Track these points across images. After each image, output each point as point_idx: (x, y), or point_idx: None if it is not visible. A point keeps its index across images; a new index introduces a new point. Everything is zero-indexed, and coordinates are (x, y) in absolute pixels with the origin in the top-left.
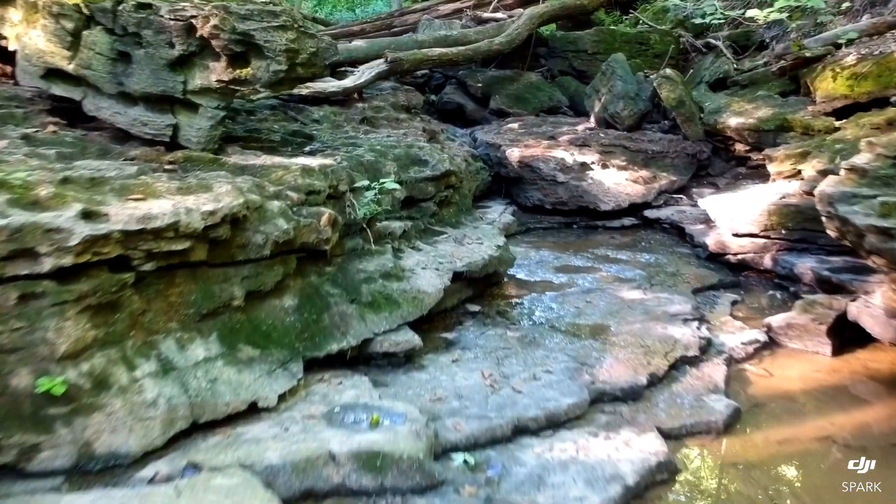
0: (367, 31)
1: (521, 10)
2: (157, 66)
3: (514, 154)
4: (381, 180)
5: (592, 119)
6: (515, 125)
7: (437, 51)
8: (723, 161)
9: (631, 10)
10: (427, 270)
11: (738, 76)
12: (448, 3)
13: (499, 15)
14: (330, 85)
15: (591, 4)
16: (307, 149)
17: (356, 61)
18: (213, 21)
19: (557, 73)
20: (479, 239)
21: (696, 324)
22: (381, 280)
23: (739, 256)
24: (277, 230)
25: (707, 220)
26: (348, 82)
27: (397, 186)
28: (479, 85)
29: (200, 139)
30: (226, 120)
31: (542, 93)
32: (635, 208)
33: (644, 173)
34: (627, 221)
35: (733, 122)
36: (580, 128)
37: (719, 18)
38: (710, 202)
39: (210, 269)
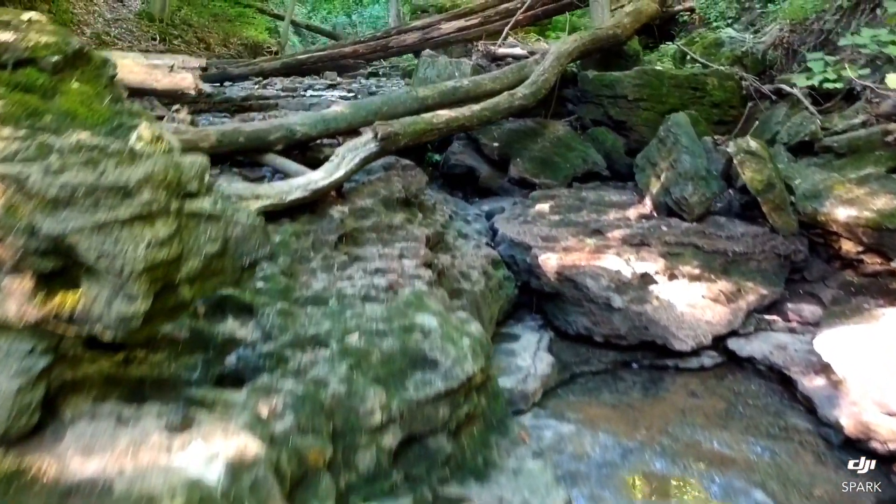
0: (359, 53)
1: (544, 43)
2: None
3: (549, 262)
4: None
5: (648, 202)
6: (546, 206)
7: (445, 115)
8: (822, 261)
9: (671, 39)
10: None
11: (830, 140)
12: (451, 21)
13: (516, 51)
14: (294, 186)
15: (624, 34)
16: (224, 371)
17: (337, 132)
18: None
19: (590, 122)
20: None
21: None
22: None
23: None
24: None
25: (825, 369)
26: (321, 178)
27: None
28: (496, 144)
29: None
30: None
31: (573, 153)
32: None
33: (724, 285)
34: (708, 360)
35: (842, 214)
36: (632, 214)
37: (834, 80)
38: (829, 343)
39: None
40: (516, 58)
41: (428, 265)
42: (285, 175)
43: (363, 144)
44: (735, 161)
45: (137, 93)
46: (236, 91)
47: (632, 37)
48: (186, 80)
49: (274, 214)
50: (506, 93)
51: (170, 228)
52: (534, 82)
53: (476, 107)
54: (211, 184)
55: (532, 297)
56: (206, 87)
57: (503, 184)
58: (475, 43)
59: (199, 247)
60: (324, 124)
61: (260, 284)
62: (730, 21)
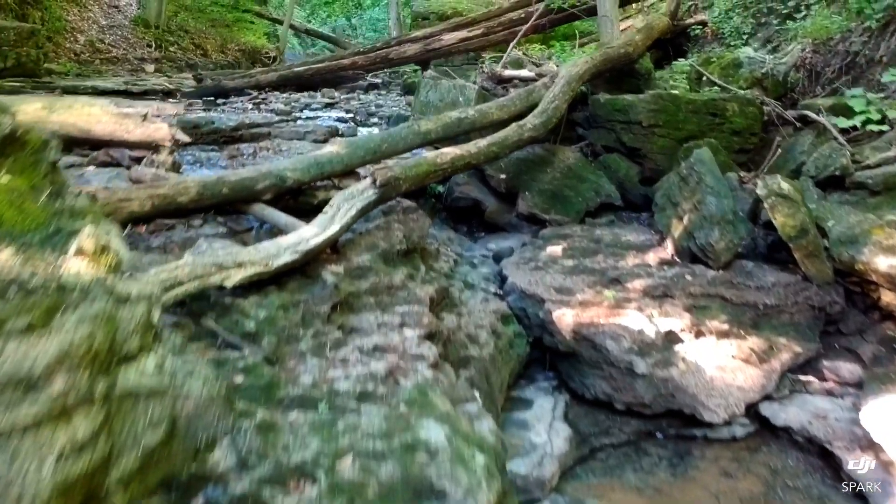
0: (359, 65)
1: (550, 63)
2: None
3: (565, 319)
4: None
5: (669, 245)
6: (559, 249)
7: (449, 153)
8: (859, 312)
9: (682, 54)
10: None
11: (863, 175)
12: (453, 32)
13: (524, 73)
14: (283, 247)
15: (636, 52)
16: None
17: (333, 175)
18: None
19: (601, 149)
20: None
21: None
22: None
23: None
24: None
25: (873, 446)
26: (313, 235)
27: None
28: (503, 176)
29: None
30: None
31: (585, 184)
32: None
33: (755, 342)
34: (740, 430)
35: (882, 263)
36: (652, 259)
37: (878, 122)
38: (877, 417)
39: None
40: (523, 80)
41: (432, 336)
42: (273, 226)
43: (360, 192)
44: (765, 205)
45: (106, 145)
46: (225, 120)
47: (644, 54)
48: (161, 132)
49: (260, 282)
50: (514, 125)
51: (93, 423)
52: (543, 111)
53: (483, 142)
54: (158, 332)
55: (545, 353)
56: (185, 137)
57: (511, 219)
58: (481, 65)
59: (136, 437)
60: (317, 168)
61: (239, 379)
62: (745, 37)
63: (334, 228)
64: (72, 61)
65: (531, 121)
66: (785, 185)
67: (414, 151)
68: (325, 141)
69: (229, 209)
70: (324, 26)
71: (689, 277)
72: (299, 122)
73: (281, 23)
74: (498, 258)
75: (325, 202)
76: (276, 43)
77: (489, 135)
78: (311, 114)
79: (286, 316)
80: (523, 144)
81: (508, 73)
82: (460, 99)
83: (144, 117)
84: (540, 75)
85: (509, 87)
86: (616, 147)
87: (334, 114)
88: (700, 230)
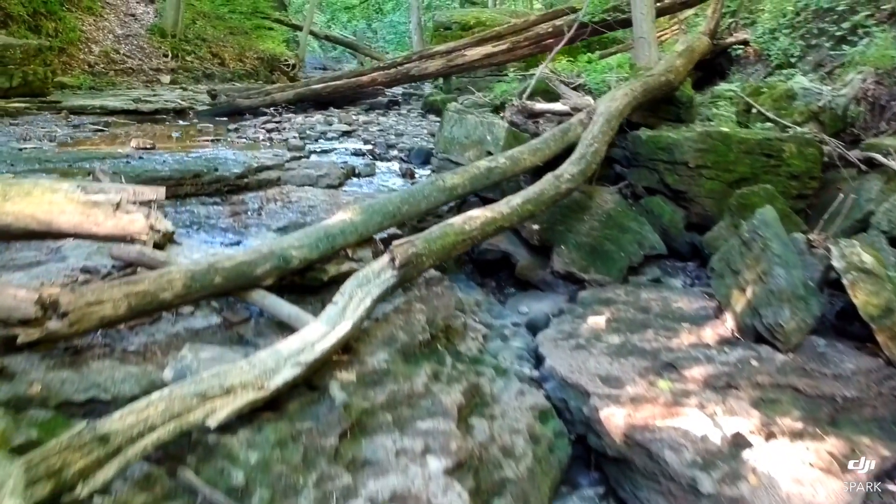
0: (378, 82)
1: (588, 89)
2: None
3: (614, 419)
4: None
5: (729, 319)
6: (602, 321)
7: (480, 217)
8: None
9: (722, 75)
10: None
11: None
12: (477, 47)
13: (556, 106)
14: (283, 357)
15: (677, 79)
16: None
17: (346, 247)
18: None
19: (643, 190)
20: None
21: None
22: None
23: None
24: None
25: None
26: (320, 337)
27: None
28: (536, 227)
29: None
30: None
31: (627, 235)
32: None
33: (835, 444)
34: None
35: None
36: (710, 336)
37: None
38: None
39: None
40: (556, 114)
41: (461, 464)
42: (273, 317)
43: (376, 275)
44: (844, 281)
45: (73, 236)
46: (231, 165)
47: (685, 80)
48: (137, 224)
49: (254, 411)
50: (550, 176)
51: None
52: (581, 157)
53: (516, 200)
54: None
55: (588, 450)
56: (168, 225)
57: (545, 275)
58: (511, 102)
59: None
60: (327, 242)
61: None
62: (793, 60)
63: (346, 326)
64: (85, 73)
65: (568, 170)
66: (867, 258)
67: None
68: (339, 186)
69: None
70: (344, 32)
71: (755, 363)
72: (313, 158)
73: (300, 29)
74: (532, 327)
75: (337, 279)
76: (296, 50)
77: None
78: (327, 145)
79: (284, 456)
80: (560, 198)
81: (540, 106)
82: (488, 137)
83: (117, 205)
84: (575, 109)
85: (541, 121)
86: (659, 189)
87: (351, 144)
88: (767, 307)
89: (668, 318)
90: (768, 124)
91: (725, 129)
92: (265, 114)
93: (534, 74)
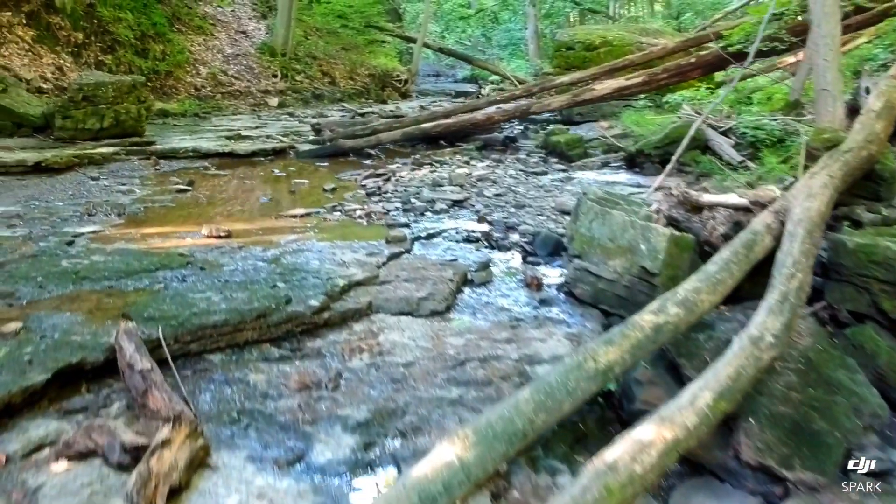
0: (494, 120)
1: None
2: None
3: None
4: None
5: None
6: None
7: (654, 442)
8: None
9: None
10: None
11: None
12: (606, 79)
13: (730, 199)
14: None
15: (878, 149)
16: None
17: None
18: None
19: (847, 314)
20: None
21: None
22: None
23: None
24: None
25: None
26: None
27: None
28: None
29: None
30: None
31: (838, 397)
32: None
33: None
34: None
35: None
36: None
37: None
38: None
39: None
40: (731, 207)
41: None
42: None
43: None
44: None
45: None
46: (305, 297)
47: (885, 148)
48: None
49: None
50: (747, 344)
51: None
52: (783, 298)
53: (704, 399)
54: None
55: None
56: (200, 436)
57: (727, 461)
58: (669, 187)
59: None
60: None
61: None
62: None
63: None
64: (191, 97)
65: (769, 325)
66: None
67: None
68: (446, 310)
69: None
70: (458, 44)
71: None
72: (416, 251)
73: (414, 41)
74: None
75: None
76: (409, 63)
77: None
78: (434, 222)
79: None
80: (761, 376)
81: (708, 198)
82: (642, 247)
83: None
84: (755, 204)
85: (707, 218)
86: (870, 315)
87: (462, 223)
88: None
89: None
90: None
91: None
92: (370, 155)
93: (668, 102)
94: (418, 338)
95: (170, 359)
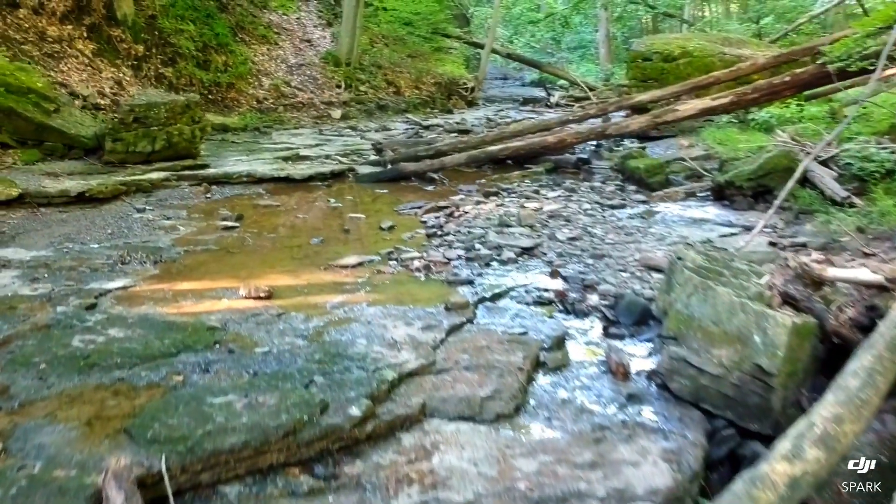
0: (566, 143)
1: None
2: None
3: None
4: None
5: None
6: None
7: None
8: None
9: None
10: None
11: None
12: (689, 99)
13: (859, 274)
14: None
15: None
16: None
17: None
18: None
19: None
20: None
21: None
22: None
23: None
24: None
25: None
26: None
27: None
28: None
29: None
30: None
31: None
32: None
33: None
34: None
35: None
36: None
37: None
38: None
39: None
40: (861, 285)
41: None
42: None
43: None
44: None
45: None
46: (352, 385)
47: None
48: None
49: None
50: None
51: None
52: None
53: None
54: None
55: None
56: None
57: None
58: (785, 257)
59: None
60: None
61: None
62: None
63: None
64: (252, 110)
65: None
66: None
67: None
68: (516, 412)
69: None
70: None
71: None
72: (477, 324)
73: (482, 47)
74: None
75: None
76: (476, 70)
77: None
78: (500, 276)
79: None
80: None
81: (833, 273)
82: (755, 338)
83: None
84: (892, 281)
85: (830, 295)
86: None
87: (532, 276)
88: None
89: None
90: None
91: None
92: (433, 180)
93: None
94: (480, 460)
95: (171, 500)
